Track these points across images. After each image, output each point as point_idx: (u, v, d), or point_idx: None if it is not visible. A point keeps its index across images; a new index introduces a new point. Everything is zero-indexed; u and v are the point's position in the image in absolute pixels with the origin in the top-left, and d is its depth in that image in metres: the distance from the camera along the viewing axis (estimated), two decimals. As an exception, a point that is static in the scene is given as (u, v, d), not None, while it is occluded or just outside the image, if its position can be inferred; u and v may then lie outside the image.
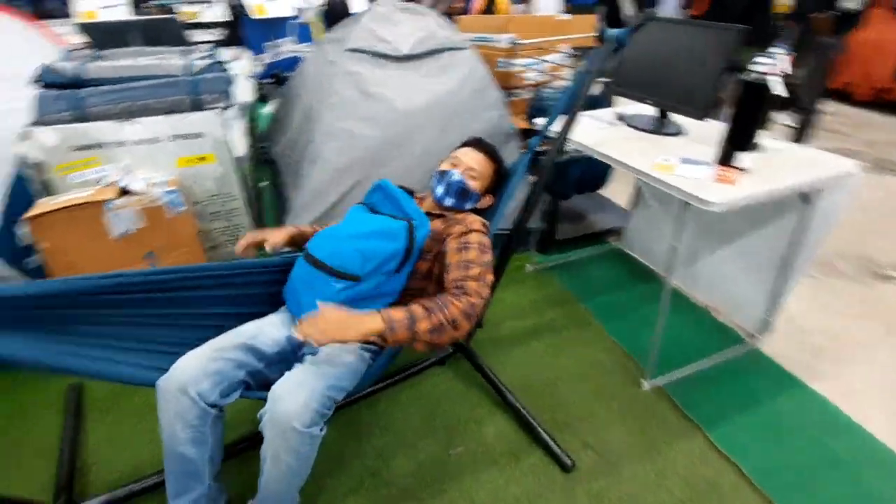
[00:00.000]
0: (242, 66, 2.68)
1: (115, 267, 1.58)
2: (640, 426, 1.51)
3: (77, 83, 1.66)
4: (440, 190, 1.33)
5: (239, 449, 1.37)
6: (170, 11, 5.08)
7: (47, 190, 1.65)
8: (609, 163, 1.57)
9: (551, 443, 1.41)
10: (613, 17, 3.38)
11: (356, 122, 2.06)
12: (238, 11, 5.26)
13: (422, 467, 1.39)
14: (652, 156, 1.49)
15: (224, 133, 1.74)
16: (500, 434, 1.48)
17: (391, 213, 1.28)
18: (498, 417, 1.53)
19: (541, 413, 1.53)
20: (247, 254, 1.34)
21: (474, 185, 1.34)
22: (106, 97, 1.59)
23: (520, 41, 2.75)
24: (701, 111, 1.59)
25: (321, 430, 1.02)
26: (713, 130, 1.54)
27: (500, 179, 1.44)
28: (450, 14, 6.16)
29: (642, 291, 2.14)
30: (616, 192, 2.64)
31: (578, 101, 1.35)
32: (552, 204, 2.30)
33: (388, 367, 1.32)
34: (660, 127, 1.75)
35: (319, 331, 0.96)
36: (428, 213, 1.28)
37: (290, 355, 1.22)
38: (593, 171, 2.31)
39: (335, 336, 0.96)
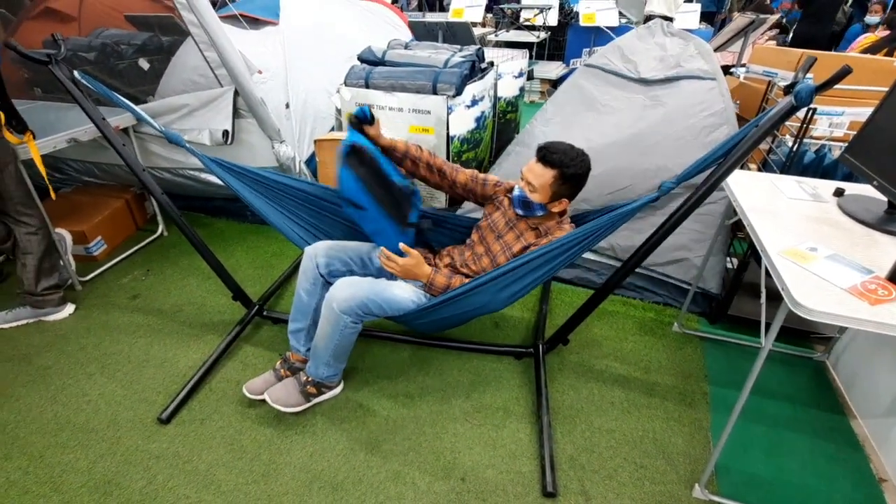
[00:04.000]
0: (513, 68, 3.15)
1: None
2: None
3: (378, 62, 2.44)
4: (514, 201, 1.49)
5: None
6: (517, 15, 6.03)
7: (340, 127, 2.52)
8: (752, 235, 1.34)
9: (548, 467, 1.43)
10: None
11: (554, 129, 2.26)
12: (568, 19, 5.80)
13: (440, 414, 1.64)
14: (809, 244, 1.21)
15: (445, 115, 2.25)
16: (515, 433, 1.58)
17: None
18: (525, 423, 1.61)
19: (563, 444, 1.54)
20: None
21: (535, 196, 1.44)
22: (382, 75, 2.29)
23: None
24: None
25: (353, 321, 1.43)
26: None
27: (571, 180, 1.42)
28: (807, 40, 5.12)
29: (807, 418, 1.67)
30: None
31: (732, 154, 1.24)
32: (738, 270, 1.96)
33: (446, 327, 1.65)
34: (883, 221, 1.33)
35: (400, 265, 1.46)
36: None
37: (387, 274, 1.66)
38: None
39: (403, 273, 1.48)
